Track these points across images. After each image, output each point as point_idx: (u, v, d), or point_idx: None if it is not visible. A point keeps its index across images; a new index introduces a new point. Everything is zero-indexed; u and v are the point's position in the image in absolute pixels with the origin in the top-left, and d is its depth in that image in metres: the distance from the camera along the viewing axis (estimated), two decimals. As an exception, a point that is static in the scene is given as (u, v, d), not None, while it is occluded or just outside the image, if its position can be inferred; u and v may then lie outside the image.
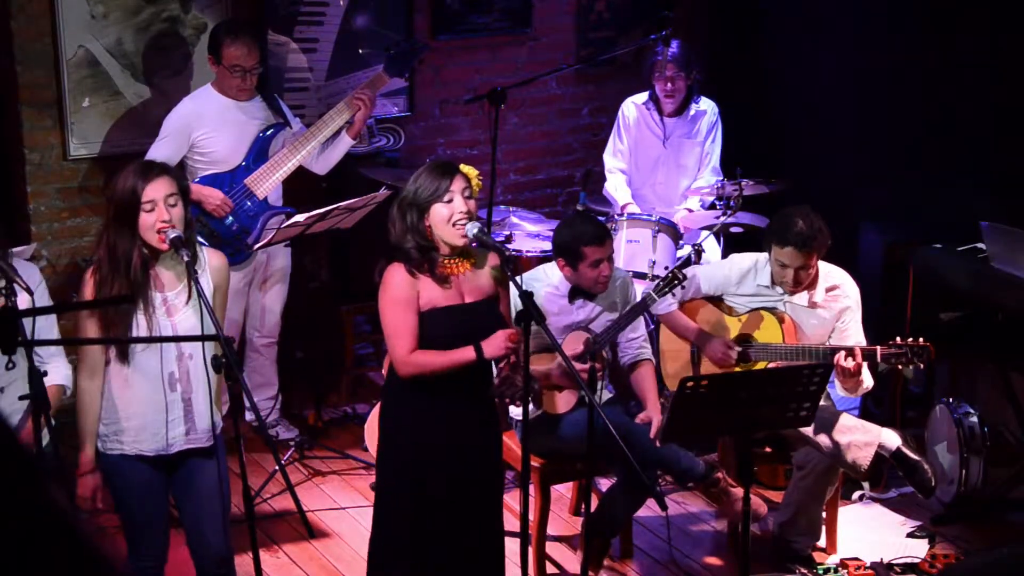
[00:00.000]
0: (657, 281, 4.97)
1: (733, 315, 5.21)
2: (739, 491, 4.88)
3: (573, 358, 4.69)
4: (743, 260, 5.25)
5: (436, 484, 4.17)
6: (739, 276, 5.21)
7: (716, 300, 5.29)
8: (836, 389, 5.06)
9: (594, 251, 4.83)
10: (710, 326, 5.23)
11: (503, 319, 4.20)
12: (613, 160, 6.76)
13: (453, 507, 4.19)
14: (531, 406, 4.17)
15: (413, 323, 4.06)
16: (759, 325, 5.11)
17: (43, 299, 4.29)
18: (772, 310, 5.11)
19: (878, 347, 4.82)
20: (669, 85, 6.49)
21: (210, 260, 4.12)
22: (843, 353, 4.79)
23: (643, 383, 5.06)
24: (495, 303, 4.20)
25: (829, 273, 5.13)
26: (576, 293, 4.97)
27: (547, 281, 4.99)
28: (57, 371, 4.26)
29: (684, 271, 4.97)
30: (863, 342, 5.03)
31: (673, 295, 5.08)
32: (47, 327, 4.29)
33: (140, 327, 3.95)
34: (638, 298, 5.05)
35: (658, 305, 5.23)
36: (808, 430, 4.86)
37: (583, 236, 4.84)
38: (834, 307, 5.10)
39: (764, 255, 5.14)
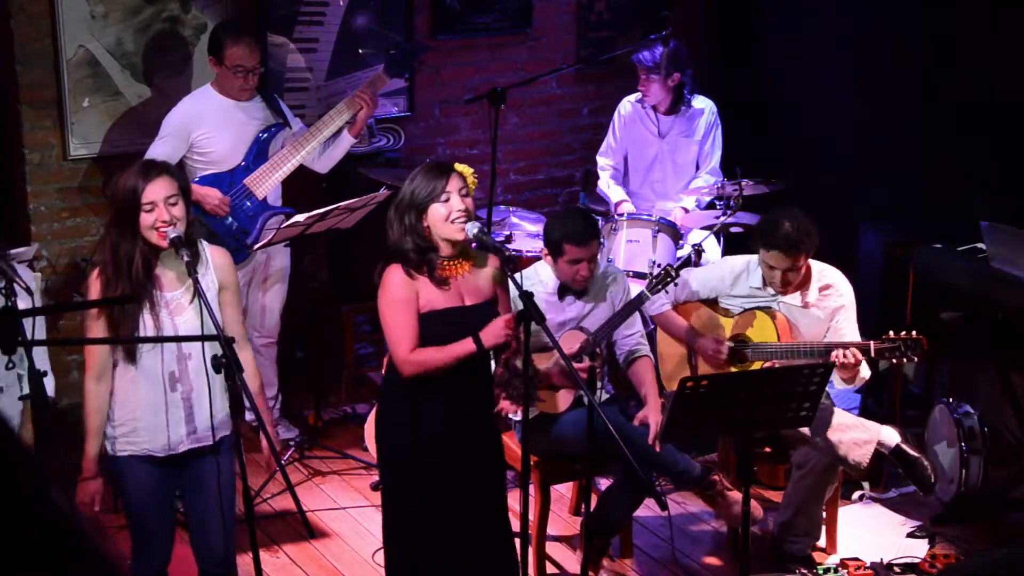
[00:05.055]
0: (650, 278, 4.97)
1: (728, 316, 5.21)
2: (736, 495, 4.89)
3: (569, 357, 4.70)
4: (735, 262, 5.26)
5: (439, 482, 4.17)
6: (732, 278, 5.21)
7: (711, 303, 5.29)
8: (835, 383, 5.04)
9: (574, 250, 4.83)
10: (704, 327, 5.24)
11: None
12: (603, 158, 6.78)
13: (458, 503, 4.19)
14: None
15: (413, 323, 4.06)
16: (753, 325, 5.11)
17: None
18: (766, 309, 5.10)
19: (871, 342, 4.82)
20: (642, 88, 6.52)
21: (213, 258, 4.13)
22: (840, 352, 4.79)
23: (642, 378, 5.05)
24: (494, 305, 4.20)
25: (822, 272, 5.13)
26: (565, 290, 4.99)
27: (537, 279, 5.01)
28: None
29: (679, 272, 4.96)
30: (858, 340, 5.03)
31: (667, 292, 5.08)
32: (37, 336, 4.27)
33: (147, 327, 3.96)
34: (633, 295, 5.06)
35: (651, 305, 5.23)
36: (807, 429, 4.85)
37: (567, 232, 4.84)
38: (828, 306, 5.10)
39: (756, 256, 5.14)
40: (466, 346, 4.04)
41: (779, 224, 4.92)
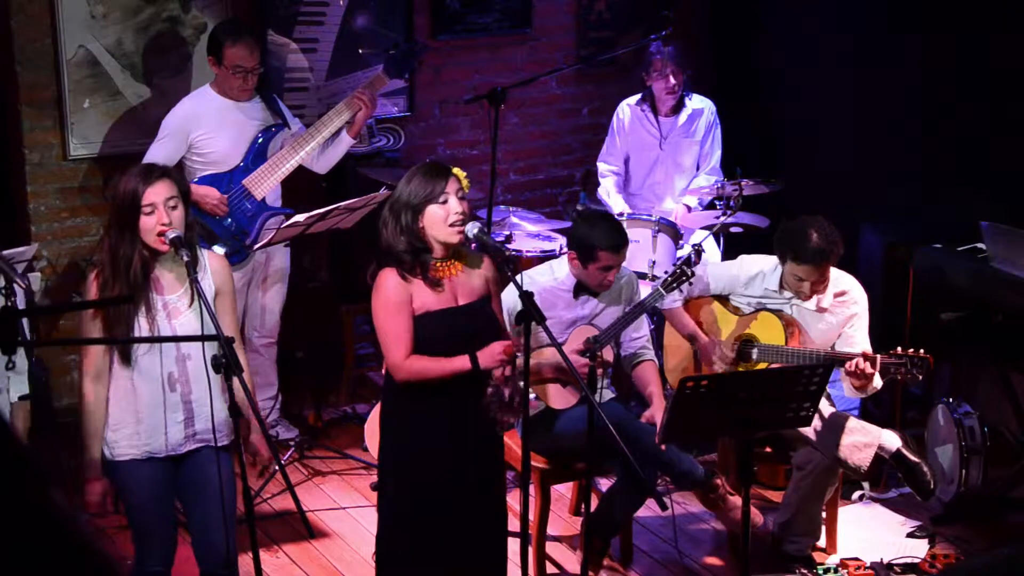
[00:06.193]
0: (664, 277, 4.97)
1: (738, 315, 5.21)
2: (737, 499, 4.89)
3: (575, 353, 4.71)
4: (752, 263, 5.24)
5: (438, 485, 4.17)
6: (747, 278, 5.21)
7: (723, 299, 5.29)
8: (844, 390, 5.04)
9: (608, 257, 4.85)
10: (713, 325, 5.24)
11: (497, 318, 4.20)
12: (605, 164, 6.77)
13: (456, 508, 4.19)
14: (531, 399, 4.18)
15: (407, 327, 4.05)
16: (763, 326, 5.10)
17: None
18: (777, 312, 5.10)
19: (878, 356, 4.81)
20: (672, 81, 6.49)
21: (210, 263, 4.13)
22: (858, 360, 4.77)
23: (647, 379, 5.06)
24: (487, 303, 4.20)
25: (838, 279, 5.12)
26: (580, 289, 4.99)
27: (552, 276, 5.02)
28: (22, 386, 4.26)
29: (693, 268, 4.96)
30: (868, 349, 5.02)
31: (680, 291, 5.08)
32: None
33: (142, 330, 3.95)
34: (643, 297, 5.06)
35: (664, 300, 5.24)
36: (808, 430, 4.85)
37: (602, 240, 4.85)
38: (842, 312, 5.10)
39: (773, 260, 5.13)
40: (462, 363, 4.03)
41: (807, 236, 4.90)
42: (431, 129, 7.09)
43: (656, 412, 4.87)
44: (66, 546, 1.31)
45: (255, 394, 4.26)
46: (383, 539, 4.30)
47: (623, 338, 5.09)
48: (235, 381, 3.76)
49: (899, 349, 4.81)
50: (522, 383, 4.06)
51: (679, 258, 6.09)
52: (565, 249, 5.15)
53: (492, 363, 4.03)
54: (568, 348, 4.72)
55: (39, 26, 5.94)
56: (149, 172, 3.98)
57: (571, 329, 4.95)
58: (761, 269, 5.18)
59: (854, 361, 4.78)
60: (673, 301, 5.25)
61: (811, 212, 5.05)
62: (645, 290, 5.10)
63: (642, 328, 5.15)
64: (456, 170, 4.15)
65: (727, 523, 5.16)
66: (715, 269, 5.36)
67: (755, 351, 5.10)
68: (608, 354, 4.89)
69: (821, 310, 5.10)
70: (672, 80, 6.49)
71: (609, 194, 6.69)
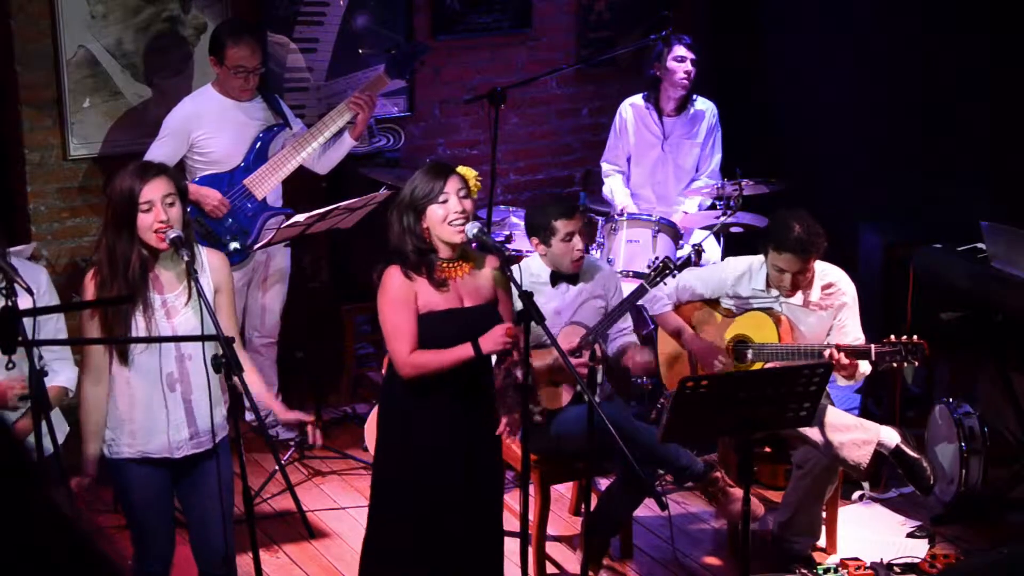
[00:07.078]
0: (648, 271, 4.99)
1: (730, 316, 5.22)
2: (737, 491, 4.89)
3: (568, 352, 4.72)
4: (738, 264, 5.26)
5: (435, 485, 4.17)
6: (734, 279, 5.21)
7: (712, 303, 5.30)
8: (836, 380, 5.04)
9: (564, 224, 4.94)
10: (705, 328, 5.24)
11: (503, 322, 4.19)
12: (610, 164, 6.77)
13: (453, 508, 4.19)
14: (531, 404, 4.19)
15: (412, 324, 4.06)
16: (755, 326, 5.11)
17: (51, 300, 4.30)
18: (768, 311, 5.11)
19: (872, 346, 4.82)
20: (690, 66, 6.48)
21: (209, 260, 4.11)
22: (831, 352, 4.79)
23: (626, 345, 5.11)
24: (494, 307, 4.20)
25: (824, 271, 5.14)
26: (557, 277, 5.02)
27: (528, 271, 5.06)
28: (62, 372, 4.27)
29: (678, 266, 4.98)
30: (861, 338, 5.04)
31: (665, 284, 5.09)
32: (55, 329, 4.30)
33: (139, 329, 3.93)
34: (626, 293, 5.08)
35: (653, 305, 5.25)
36: (807, 429, 4.85)
37: (553, 211, 4.98)
38: (831, 304, 5.10)
39: (759, 258, 5.14)
40: (464, 351, 4.04)
41: (790, 227, 4.93)
42: (431, 129, 7.10)
43: (635, 353, 4.97)
44: (66, 547, 1.31)
45: (261, 383, 4.22)
46: (375, 539, 4.29)
47: (611, 332, 5.11)
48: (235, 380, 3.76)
49: (892, 337, 4.82)
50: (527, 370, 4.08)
51: (679, 258, 6.10)
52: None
53: (494, 347, 4.04)
54: None
55: (39, 26, 5.95)
56: (145, 169, 3.95)
57: (556, 322, 4.97)
58: (748, 266, 5.19)
59: (827, 353, 4.80)
60: (663, 306, 5.27)
61: (811, 212, 5.05)
62: (630, 290, 5.11)
63: (626, 320, 5.18)
64: (464, 169, 4.16)
65: (728, 516, 5.16)
66: (702, 273, 5.37)
67: (750, 352, 5.10)
68: (600, 350, 4.91)
69: (808, 304, 5.10)
70: (689, 67, 6.48)
71: (613, 191, 6.69)
